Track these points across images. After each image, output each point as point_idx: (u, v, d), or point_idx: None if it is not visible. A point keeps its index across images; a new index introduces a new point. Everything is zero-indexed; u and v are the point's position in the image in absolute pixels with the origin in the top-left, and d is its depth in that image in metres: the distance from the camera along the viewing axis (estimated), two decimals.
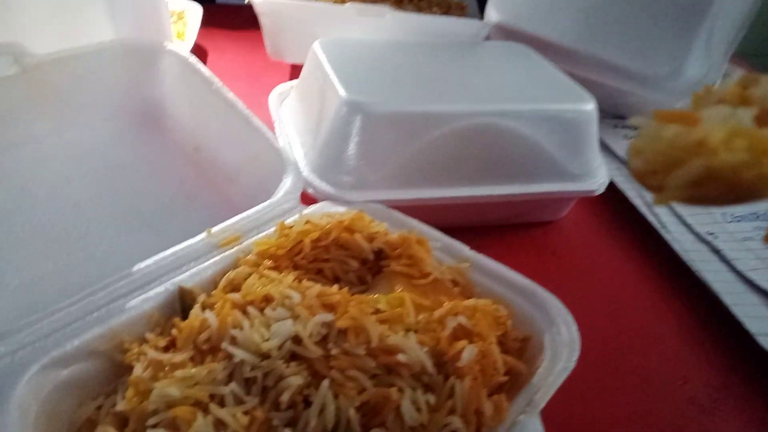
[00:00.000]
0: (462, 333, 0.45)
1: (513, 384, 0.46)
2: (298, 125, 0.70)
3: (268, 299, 0.45)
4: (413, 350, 0.41)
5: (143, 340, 0.45)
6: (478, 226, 0.57)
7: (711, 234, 0.70)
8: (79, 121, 0.67)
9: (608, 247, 0.71)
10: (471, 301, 0.48)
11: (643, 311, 0.63)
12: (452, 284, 0.53)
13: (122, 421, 0.41)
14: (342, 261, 0.53)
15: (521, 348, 0.49)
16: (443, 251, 0.55)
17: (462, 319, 0.45)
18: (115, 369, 0.45)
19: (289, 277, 0.47)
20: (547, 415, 0.42)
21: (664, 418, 0.52)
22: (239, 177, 0.65)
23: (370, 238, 0.53)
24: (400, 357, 0.41)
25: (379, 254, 0.54)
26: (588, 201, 0.77)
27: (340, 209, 0.59)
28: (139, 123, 0.70)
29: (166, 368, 0.41)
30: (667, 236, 0.70)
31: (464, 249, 0.55)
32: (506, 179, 0.65)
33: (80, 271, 0.55)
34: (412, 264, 0.52)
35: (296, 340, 0.42)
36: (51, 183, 0.61)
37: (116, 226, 0.60)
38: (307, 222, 0.54)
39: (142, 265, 0.49)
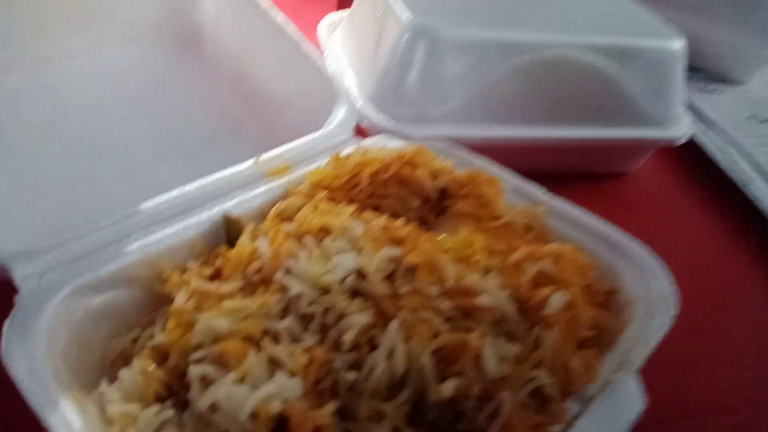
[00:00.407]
0: (544, 280, 0.39)
1: (599, 341, 0.40)
2: (352, 56, 0.64)
3: (325, 230, 0.40)
4: (494, 293, 0.36)
5: (185, 270, 0.40)
6: (544, 174, 0.51)
7: None
8: (116, 40, 0.62)
9: (687, 204, 0.65)
10: (553, 246, 0.42)
11: (728, 274, 0.57)
12: (525, 230, 0.47)
13: (161, 355, 0.36)
14: (402, 198, 0.47)
15: (606, 302, 0.43)
16: (515, 193, 0.49)
17: (545, 264, 0.39)
18: (154, 299, 0.41)
19: (348, 209, 0.42)
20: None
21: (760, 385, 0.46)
22: (286, 108, 0.60)
23: (434, 175, 0.48)
24: (481, 300, 0.35)
25: (444, 193, 0.48)
26: (664, 154, 0.70)
27: (399, 144, 0.53)
28: (179, 46, 0.64)
29: (212, 299, 0.36)
30: (752, 195, 0.63)
31: (539, 191, 0.49)
32: (581, 121, 0.59)
33: (115, 197, 0.50)
34: (481, 205, 0.46)
35: (360, 275, 0.36)
36: (85, 103, 0.56)
37: (153, 152, 0.55)
38: (365, 153, 0.48)
39: (185, 189, 0.44)
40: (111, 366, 0.38)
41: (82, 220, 0.41)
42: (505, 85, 0.56)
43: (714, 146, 0.70)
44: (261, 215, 0.45)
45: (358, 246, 0.38)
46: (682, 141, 0.62)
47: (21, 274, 0.37)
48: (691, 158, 0.70)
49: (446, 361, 0.34)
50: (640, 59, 0.58)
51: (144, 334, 0.39)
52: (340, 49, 0.67)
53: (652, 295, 0.42)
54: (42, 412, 0.30)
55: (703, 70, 0.86)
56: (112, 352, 0.38)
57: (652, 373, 0.37)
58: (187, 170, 0.54)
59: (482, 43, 0.54)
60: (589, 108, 0.59)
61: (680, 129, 0.62)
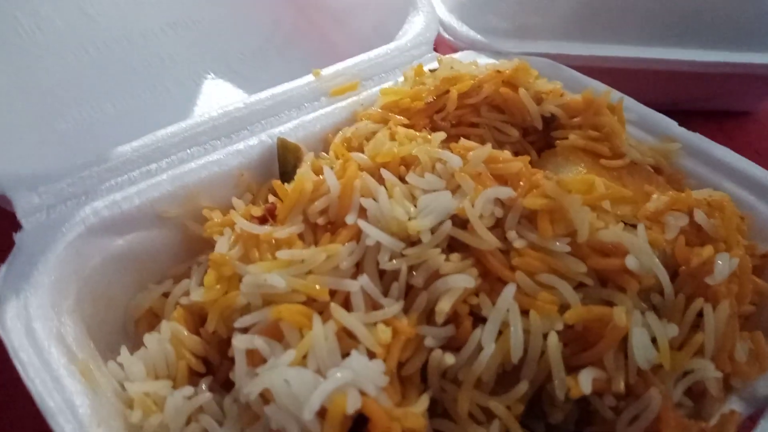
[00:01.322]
0: (695, 238, 0.29)
1: (761, 319, 0.30)
2: None
3: (408, 163, 0.31)
4: (645, 253, 0.26)
5: (228, 208, 0.32)
6: (658, 108, 0.41)
7: None
8: None
9: None
10: (704, 192, 0.32)
11: None
12: (655, 172, 0.37)
13: (197, 317, 0.29)
14: (497, 128, 0.38)
15: (763, 266, 0.33)
16: (638, 126, 0.39)
17: (699, 216, 0.30)
18: (189, 244, 0.33)
19: (438, 135, 0.32)
20: None
21: None
22: (350, 18, 0.51)
23: (539, 99, 0.38)
24: (628, 261, 0.26)
25: (551, 122, 0.38)
26: None
27: (491, 61, 0.43)
28: None
29: (264, 246, 0.28)
30: None
31: (672, 124, 0.39)
32: (711, 42, 0.48)
33: (146, 117, 0.42)
34: (601, 139, 0.36)
35: (458, 221, 0.27)
36: (114, 4, 0.47)
37: (194, 66, 0.47)
38: (452, 68, 0.39)
39: (229, 107, 0.35)
40: (136, 327, 0.31)
41: (104, 143, 0.33)
42: None
43: None
44: (323, 143, 0.37)
45: (454, 184, 0.28)
46: None
47: (24, 207, 0.29)
48: None
49: (579, 344, 0.25)
50: None
51: (177, 287, 0.31)
52: None
53: None
54: (38, 392, 0.22)
55: None
56: (136, 310, 0.31)
57: None
58: (231, 89, 0.45)
59: None
60: (721, 26, 0.47)
61: None
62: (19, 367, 0.23)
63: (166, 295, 0.31)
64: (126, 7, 0.48)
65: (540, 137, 0.39)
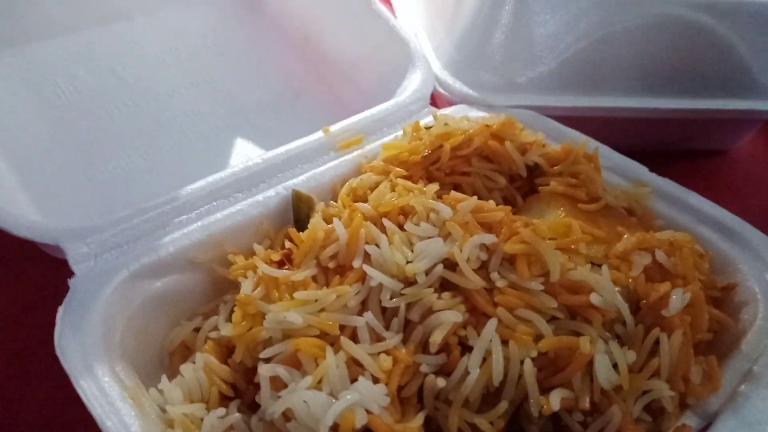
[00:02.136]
0: (657, 275, 0.34)
1: (717, 345, 0.35)
2: (428, 15, 0.59)
3: (406, 212, 0.35)
4: (607, 290, 0.31)
5: (250, 254, 0.36)
6: (636, 151, 0.45)
7: None
8: (174, 3, 0.57)
9: None
10: (666, 233, 0.37)
11: None
12: (627, 214, 0.41)
13: (225, 349, 0.33)
14: (486, 176, 0.42)
15: (723, 299, 0.37)
16: (614, 172, 0.44)
17: (660, 255, 0.34)
18: (217, 284, 0.37)
19: (432, 187, 0.37)
20: None
21: None
22: (355, 73, 0.55)
23: (523, 149, 0.42)
24: (592, 298, 0.30)
25: (534, 171, 0.43)
26: (766, 130, 0.63)
27: (482, 115, 0.48)
28: (242, 5, 0.60)
29: (282, 288, 0.32)
30: None
31: (644, 170, 0.43)
32: (685, 91, 0.52)
33: (174, 170, 0.46)
34: (579, 185, 0.41)
35: (449, 264, 0.32)
36: (142, 67, 0.53)
37: (214, 120, 0.52)
38: (446, 124, 0.44)
39: (250, 163, 0.40)
40: (171, 358, 0.35)
41: (139, 195, 0.38)
42: (604, 48, 0.50)
43: None
44: (332, 193, 0.42)
45: (445, 231, 0.33)
46: None
47: (75, 255, 0.34)
48: None
49: (551, 368, 0.29)
50: (755, 19, 0.51)
51: (206, 323, 0.35)
52: (415, 7, 0.62)
53: None
54: (98, 414, 0.27)
55: None
56: (171, 343, 0.35)
57: None
58: (249, 140, 0.50)
59: None
60: (695, 75, 0.52)
61: None
62: (81, 394, 0.28)
63: (196, 330, 0.35)
64: (152, 69, 0.54)
65: (525, 183, 0.43)
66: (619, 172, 0.44)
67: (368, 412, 0.26)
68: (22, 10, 0.51)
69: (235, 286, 0.35)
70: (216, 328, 0.34)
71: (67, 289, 0.33)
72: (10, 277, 0.41)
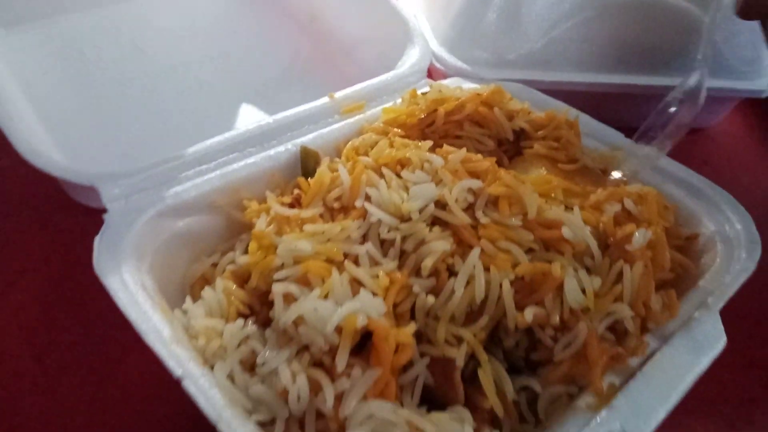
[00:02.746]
0: (626, 220, 0.38)
1: (680, 283, 0.39)
2: None
3: (403, 163, 0.40)
4: (577, 226, 0.35)
5: (263, 201, 0.41)
6: (620, 127, 0.50)
7: None
8: None
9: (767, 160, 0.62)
10: (635, 186, 0.41)
11: None
12: (603, 174, 0.46)
13: (242, 277, 0.37)
14: (476, 139, 0.47)
15: (687, 246, 0.42)
16: (593, 137, 0.48)
17: (628, 204, 0.39)
18: (233, 226, 0.42)
19: (427, 143, 0.42)
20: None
21: None
22: (357, 50, 0.60)
23: (511, 116, 0.47)
24: (564, 232, 0.35)
25: (520, 135, 0.47)
26: (745, 109, 0.68)
27: (473, 86, 0.52)
28: None
29: (293, 224, 0.37)
30: None
31: (619, 136, 0.48)
32: (662, 69, 0.56)
33: (191, 129, 0.50)
34: (559, 148, 0.45)
35: (439, 204, 0.36)
36: (161, 41, 0.57)
37: (227, 90, 0.56)
38: (440, 92, 0.48)
39: (263, 122, 0.45)
40: (192, 290, 0.39)
41: (162, 150, 0.42)
42: (587, 29, 0.54)
43: None
44: (336, 151, 0.46)
45: (437, 178, 0.38)
46: (766, 94, 0.60)
47: (108, 194, 0.38)
48: None
49: (526, 290, 0.34)
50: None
51: (224, 258, 0.39)
52: None
53: (734, 240, 0.40)
54: (135, 321, 0.31)
55: None
56: (192, 276, 0.39)
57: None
58: (260, 108, 0.54)
59: None
60: (671, 55, 0.57)
61: (764, 81, 0.59)
62: (119, 304, 0.32)
63: (214, 265, 0.40)
64: (170, 43, 0.58)
65: (512, 147, 0.47)
66: (598, 137, 0.48)
67: (368, 317, 0.31)
68: None
69: (250, 228, 0.39)
70: (233, 262, 0.39)
71: (94, 233, 0.36)
72: (44, 222, 0.45)
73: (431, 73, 0.55)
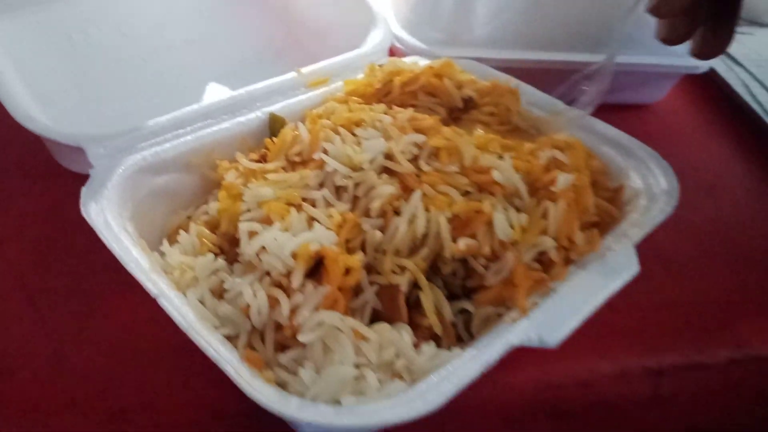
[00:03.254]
0: (555, 166, 0.43)
1: (605, 227, 0.44)
2: None
3: (358, 124, 0.45)
4: (507, 170, 0.40)
5: (235, 161, 0.45)
6: (570, 103, 0.55)
7: None
8: None
9: (707, 134, 0.68)
10: (563, 136, 0.46)
11: (742, 194, 0.60)
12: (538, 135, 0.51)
13: (213, 225, 0.42)
14: (429, 108, 0.51)
15: (614, 197, 0.47)
16: (536, 106, 0.53)
17: (556, 153, 0.44)
18: (207, 184, 0.46)
19: (380, 107, 0.46)
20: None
21: (764, 291, 0.50)
22: (328, 34, 0.64)
23: (459, 85, 0.52)
24: (494, 175, 0.40)
25: (468, 104, 0.52)
26: (687, 87, 0.73)
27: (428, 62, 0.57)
28: None
29: (258, 176, 0.42)
30: None
31: (558, 103, 0.53)
32: (603, 48, 0.61)
33: (172, 103, 0.54)
34: (497, 113, 0.51)
35: (388, 156, 0.41)
36: (144, 27, 0.62)
37: (208, 70, 0.61)
38: (396, 65, 0.53)
39: (235, 93, 0.49)
40: (169, 238, 0.44)
41: (144, 118, 0.47)
42: (535, 11, 0.59)
43: (737, 80, 0.72)
44: (301, 118, 0.50)
45: (387, 134, 0.42)
46: (703, 69, 0.65)
47: (94, 153, 0.43)
48: (713, 93, 0.73)
49: (461, 226, 0.39)
50: None
51: (198, 210, 0.44)
52: None
53: (655, 190, 0.45)
54: (117, 253, 0.36)
55: None
56: (170, 227, 0.44)
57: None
58: (235, 86, 0.59)
59: None
60: (612, 35, 0.61)
61: None
62: (104, 240, 0.36)
63: (189, 218, 0.44)
64: (152, 29, 0.63)
65: (460, 115, 0.52)
66: (540, 106, 0.53)
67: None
68: None
69: (221, 186, 0.43)
70: (206, 213, 0.43)
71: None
72: (34, 184, 0.50)
73: (393, 53, 0.60)
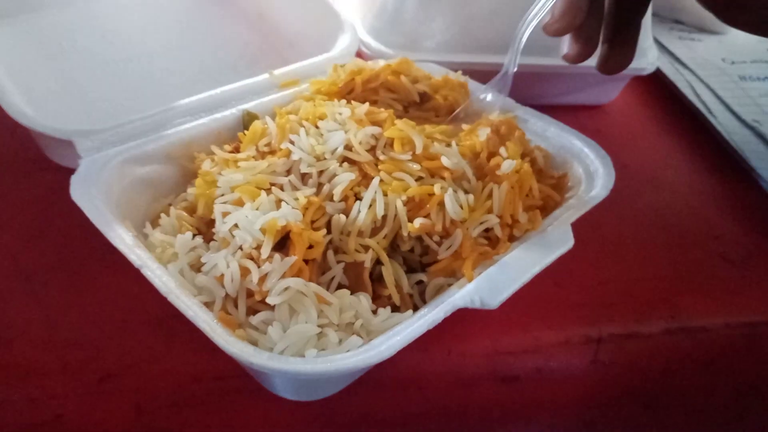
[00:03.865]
0: (494, 144, 0.48)
1: (549, 210, 0.48)
2: None
3: (321, 118, 0.49)
4: (455, 156, 0.45)
5: (211, 154, 0.49)
6: (525, 103, 0.60)
7: (756, 121, 0.71)
8: None
9: (653, 131, 0.73)
10: (499, 116, 0.52)
11: (681, 185, 0.65)
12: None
13: (192, 210, 0.46)
14: (389, 104, 0.56)
15: (558, 184, 0.51)
16: (488, 104, 0.57)
17: (487, 131, 0.49)
18: (185, 176, 0.50)
19: (341, 102, 0.51)
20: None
21: (697, 269, 0.55)
22: (299, 40, 0.69)
23: (415, 81, 0.56)
24: (443, 160, 0.44)
25: (423, 98, 0.57)
26: (637, 88, 0.78)
27: None
28: None
29: (232, 164, 0.46)
30: (713, 120, 0.71)
31: (511, 102, 0.57)
32: (553, 52, 0.66)
33: (154, 103, 0.58)
34: (448, 105, 0.56)
35: (348, 147, 0.45)
36: (127, 35, 0.66)
37: (186, 75, 0.65)
38: (357, 65, 0.57)
39: (212, 92, 0.54)
40: (152, 224, 0.48)
41: (128, 115, 0.51)
42: (488, 18, 0.64)
43: (683, 82, 0.78)
44: (273, 116, 0.55)
45: (346, 127, 0.47)
46: (650, 71, 0.70)
47: (83, 146, 0.47)
48: (661, 94, 0.79)
49: (416, 208, 0.43)
50: None
51: (178, 198, 0.48)
52: None
53: (594, 177, 0.50)
54: (104, 230, 0.40)
55: (686, 24, 0.94)
56: (152, 213, 0.48)
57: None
58: (212, 88, 0.63)
59: None
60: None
61: (647, 60, 0.70)
62: (91, 219, 0.40)
63: (170, 205, 0.48)
64: (135, 36, 0.67)
65: (418, 107, 0.57)
66: (494, 105, 0.58)
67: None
68: None
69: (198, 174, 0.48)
70: (185, 200, 0.47)
71: (68, 184, 0.44)
72: (25, 177, 0.54)
73: (360, 57, 0.64)
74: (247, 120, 0.52)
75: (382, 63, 0.59)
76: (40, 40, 0.62)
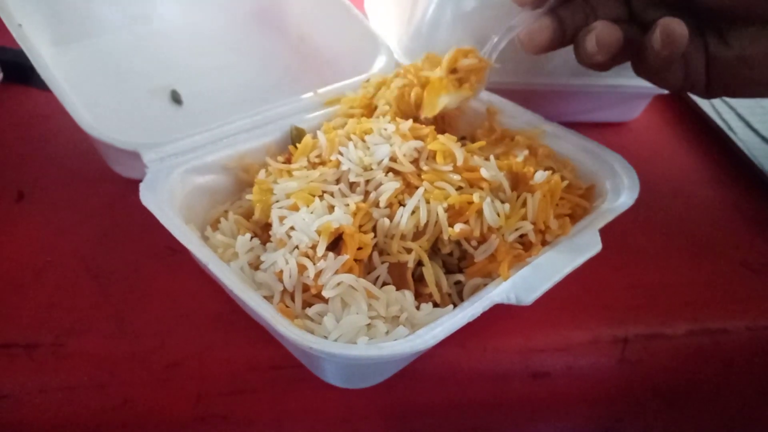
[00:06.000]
0: (532, 163, 0.52)
1: (578, 218, 0.52)
2: (391, 17, 0.77)
3: (367, 132, 0.53)
4: (493, 168, 0.48)
5: (263, 165, 0.54)
6: (552, 120, 0.63)
7: None
8: (202, 8, 0.76)
9: (676, 147, 0.76)
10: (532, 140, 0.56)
11: (704, 197, 0.68)
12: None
13: (248, 215, 0.50)
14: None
15: (586, 194, 0.55)
16: (521, 121, 0.61)
17: (523, 149, 0.53)
18: (240, 185, 0.55)
19: (387, 117, 0.55)
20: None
21: (719, 276, 0.58)
22: (337, 61, 0.73)
23: None
24: (482, 172, 0.48)
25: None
26: (660, 107, 0.82)
27: None
28: (253, 14, 0.79)
29: (285, 174, 0.50)
30: (733, 136, 0.74)
31: (540, 119, 0.61)
32: (581, 71, 0.70)
33: (209, 120, 0.62)
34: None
35: (392, 159, 0.49)
36: (176, 57, 0.71)
37: (231, 94, 0.70)
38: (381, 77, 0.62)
39: (263, 109, 0.58)
40: (211, 227, 0.52)
41: (183, 128, 0.55)
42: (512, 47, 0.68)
43: (705, 101, 0.81)
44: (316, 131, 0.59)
45: (391, 141, 0.51)
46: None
47: (149, 158, 0.51)
48: (683, 112, 0.82)
49: (456, 215, 0.46)
50: None
51: (234, 204, 0.52)
52: (382, 12, 0.81)
53: (621, 185, 0.53)
54: (173, 230, 0.44)
55: None
56: (211, 218, 0.52)
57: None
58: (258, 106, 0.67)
59: (500, 2, 0.67)
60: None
61: None
62: (161, 220, 0.44)
63: (226, 211, 0.52)
64: (184, 58, 0.72)
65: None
66: (524, 121, 0.61)
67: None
68: (83, 12, 0.70)
69: (252, 185, 0.52)
70: (241, 206, 0.52)
71: (131, 194, 0.49)
72: (92, 186, 0.58)
73: None
74: (295, 134, 0.57)
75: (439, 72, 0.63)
76: (102, 63, 0.67)
